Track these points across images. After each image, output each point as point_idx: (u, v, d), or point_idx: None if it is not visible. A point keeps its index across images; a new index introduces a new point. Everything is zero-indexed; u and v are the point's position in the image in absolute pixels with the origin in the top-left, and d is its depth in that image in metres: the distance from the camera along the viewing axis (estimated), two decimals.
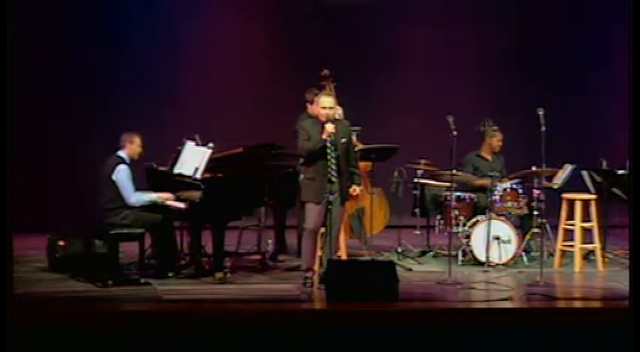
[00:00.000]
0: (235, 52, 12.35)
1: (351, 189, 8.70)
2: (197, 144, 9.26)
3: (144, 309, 7.94)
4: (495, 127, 10.52)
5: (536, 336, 7.54)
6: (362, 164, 10.01)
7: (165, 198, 9.01)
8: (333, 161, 8.59)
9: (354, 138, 9.59)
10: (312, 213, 8.62)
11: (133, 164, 9.05)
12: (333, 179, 8.57)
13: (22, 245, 9.62)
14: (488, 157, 10.59)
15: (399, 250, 10.38)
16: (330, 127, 8.54)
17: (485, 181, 10.15)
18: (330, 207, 8.51)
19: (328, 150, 8.56)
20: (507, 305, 8.13)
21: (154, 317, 7.66)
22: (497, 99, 12.20)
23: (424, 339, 7.44)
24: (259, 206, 9.57)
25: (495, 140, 10.53)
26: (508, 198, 10.08)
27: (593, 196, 9.89)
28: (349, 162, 8.75)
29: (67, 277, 8.99)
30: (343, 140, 8.64)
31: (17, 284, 7.73)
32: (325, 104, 8.69)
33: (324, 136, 8.53)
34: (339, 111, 9.59)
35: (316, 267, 8.77)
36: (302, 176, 8.73)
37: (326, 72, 9.52)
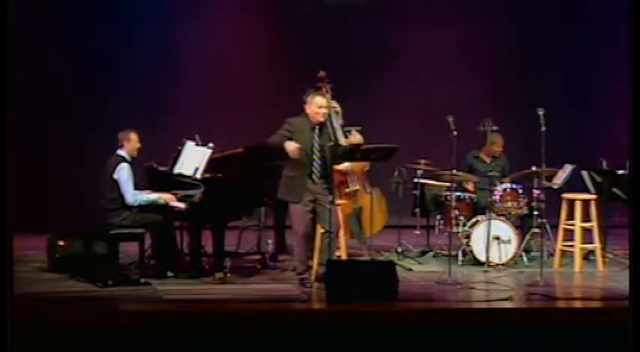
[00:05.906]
0: (235, 53, 12.35)
1: None
2: (197, 144, 9.26)
3: (144, 309, 7.94)
4: (496, 128, 10.50)
5: (536, 336, 7.53)
6: (359, 164, 10.03)
7: (167, 199, 9.01)
8: (318, 163, 8.58)
9: (357, 135, 9.59)
10: (297, 215, 8.60)
11: (134, 162, 9.06)
12: (316, 179, 8.57)
13: (22, 245, 9.63)
14: (486, 160, 10.57)
15: (399, 250, 10.38)
16: (292, 151, 8.47)
17: (472, 188, 10.25)
18: (318, 208, 8.50)
19: (316, 151, 8.56)
20: (507, 305, 8.13)
21: (154, 317, 7.65)
22: (497, 99, 12.20)
23: (424, 339, 7.44)
24: (259, 206, 9.58)
25: (495, 146, 10.51)
26: (508, 198, 10.09)
27: (593, 196, 9.89)
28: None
29: (67, 277, 8.99)
30: (331, 143, 8.61)
31: (17, 284, 7.71)
32: (320, 103, 8.70)
33: (291, 151, 8.48)
34: (337, 109, 9.59)
35: (314, 266, 8.76)
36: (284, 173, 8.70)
37: (322, 73, 9.51)
